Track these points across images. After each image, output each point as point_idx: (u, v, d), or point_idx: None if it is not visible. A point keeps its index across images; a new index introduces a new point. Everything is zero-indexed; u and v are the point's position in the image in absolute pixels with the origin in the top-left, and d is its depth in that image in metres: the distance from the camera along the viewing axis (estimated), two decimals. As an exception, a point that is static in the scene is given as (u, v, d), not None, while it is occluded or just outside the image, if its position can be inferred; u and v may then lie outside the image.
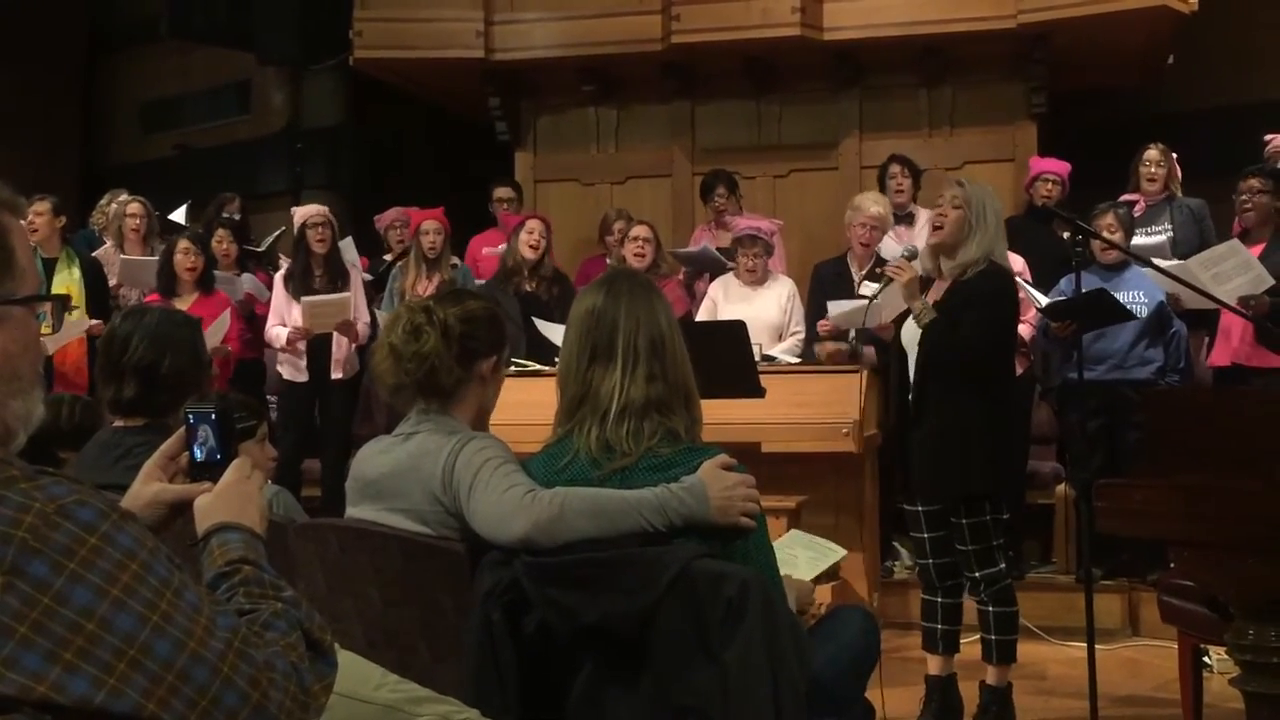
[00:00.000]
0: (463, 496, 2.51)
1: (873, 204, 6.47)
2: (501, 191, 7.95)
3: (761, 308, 6.34)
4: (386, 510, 2.61)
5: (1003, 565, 4.33)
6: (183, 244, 6.66)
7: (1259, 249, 5.72)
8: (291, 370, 6.84)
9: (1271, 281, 5.44)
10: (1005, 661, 4.38)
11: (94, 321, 6.36)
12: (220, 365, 6.39)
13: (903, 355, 4.45)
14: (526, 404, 3.72)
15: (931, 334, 4.24)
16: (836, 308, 6.07)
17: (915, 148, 7.47)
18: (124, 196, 7.89)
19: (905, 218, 6.97)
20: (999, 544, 4.32)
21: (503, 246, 7.24)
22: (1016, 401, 5.54)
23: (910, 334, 4.39)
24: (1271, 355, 5.60)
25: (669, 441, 2.49)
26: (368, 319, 6.83)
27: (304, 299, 6.64)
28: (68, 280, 6.51)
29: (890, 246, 6.58)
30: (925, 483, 4.32)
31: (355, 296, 6.87)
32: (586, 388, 2.55)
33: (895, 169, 7.06)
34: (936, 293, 4.34)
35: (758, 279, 6.49)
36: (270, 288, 7.18)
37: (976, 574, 4.28)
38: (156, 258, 7.12)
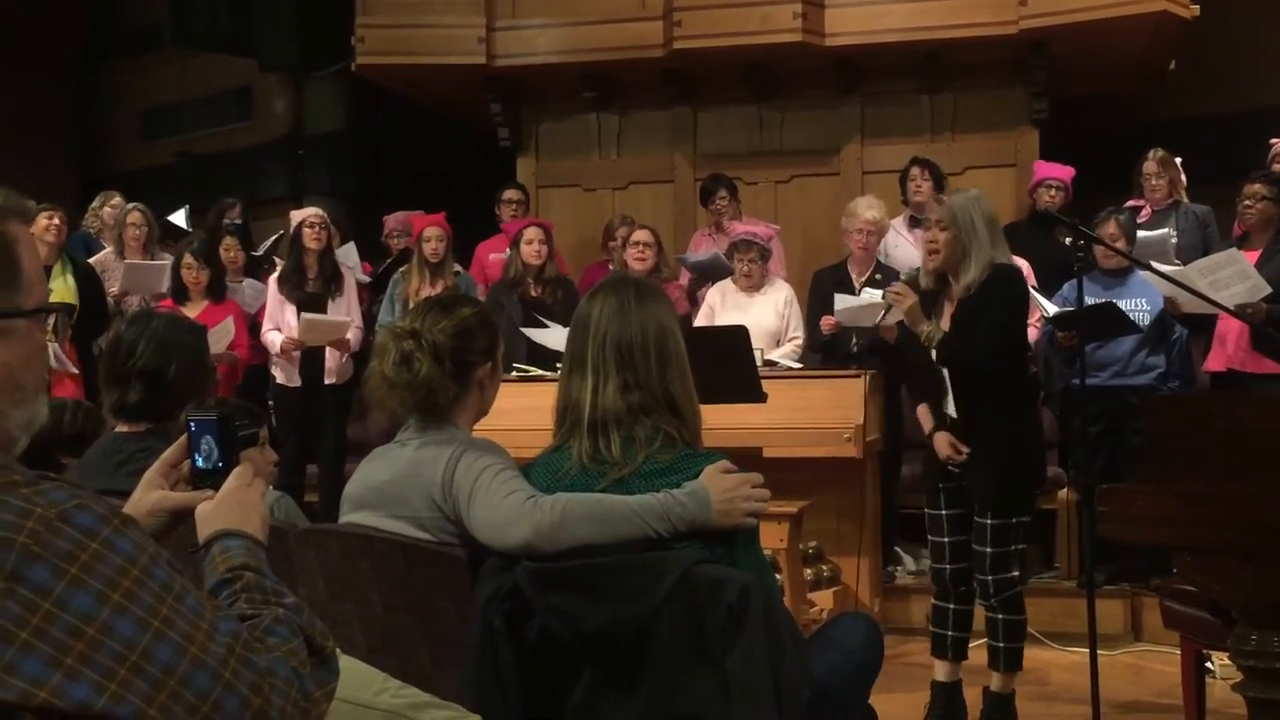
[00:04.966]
0: (463, 503, 2.50)
1: (867, 209, 6.47)
2: (510, 194, 7.94)
3: (759, 313, 6.33)
4: (387, 517, 2.61)
5: (1016, 572, 4.31)
6: (186, 258, 6.70)
7: (1256, 254, 5.73)
8: (284, 375, 6.83)
9: (1269, 290, 5.44)
10: (1012, 669, 4.37)
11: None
12: (227, 372, 6.40)
13: (928, 358, 4.39)
14: (527, 409, 3.69)
15: (947, 351, 4.23)
16: (843, 302, 6.07)
17: (917, 153, 7.45)
18: (116, 199, 7.86)
19: (924, 221, 6.90)
20: (1016, 549, 4.31)
21: (509, 252, 7.27)
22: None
23: None
24: (1267, 360, 5.60)
25: (668, 447, 2.48)
26: (360, 324, 6.82)
27: (304, 315, 6.62)
28: (62, 288, 6.49)
29: (903, 247, 6.56)
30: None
31: (349, 301, 6.89)
32: (569, 398, 2.55)
33: (915, 171, 7.02)
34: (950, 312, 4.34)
35: (754, 284, 6.49)
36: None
37: (989, 578, 4.25)
38: (160, 262, 7.13)
